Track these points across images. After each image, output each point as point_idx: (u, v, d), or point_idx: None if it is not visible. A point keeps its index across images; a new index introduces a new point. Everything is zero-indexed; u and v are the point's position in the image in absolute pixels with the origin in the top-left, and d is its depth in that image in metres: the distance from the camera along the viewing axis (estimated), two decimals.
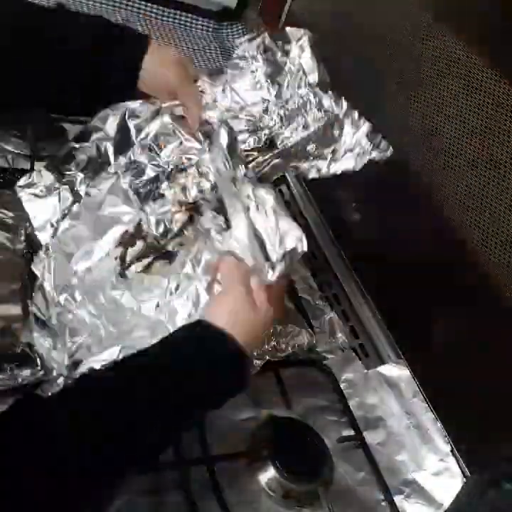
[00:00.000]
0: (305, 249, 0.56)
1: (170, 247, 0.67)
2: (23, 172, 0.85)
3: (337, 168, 0.73)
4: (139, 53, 0.67)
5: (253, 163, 0.70)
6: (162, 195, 0.67)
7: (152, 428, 0.51)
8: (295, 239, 0.56)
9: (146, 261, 0.67)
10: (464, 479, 0.75)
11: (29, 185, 0.72)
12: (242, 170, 0.60)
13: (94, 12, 1.34)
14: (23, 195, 0.72)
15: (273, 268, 0.56)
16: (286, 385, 0.79)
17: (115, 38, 0.68)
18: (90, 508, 0.49)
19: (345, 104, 0.73)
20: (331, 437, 0.76)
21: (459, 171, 0.77)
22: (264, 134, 0.71)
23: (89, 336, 0.64)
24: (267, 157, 0.71)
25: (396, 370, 0.86)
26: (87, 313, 0.65)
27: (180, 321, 0.61)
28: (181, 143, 0.69)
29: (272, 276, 0.56)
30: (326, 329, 0.90)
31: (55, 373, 0.64)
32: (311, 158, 0.73)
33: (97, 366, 0.60)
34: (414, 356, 0.86)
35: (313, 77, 0.73)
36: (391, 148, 0.72)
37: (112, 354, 0.61)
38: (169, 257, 0.67)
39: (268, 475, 0.68)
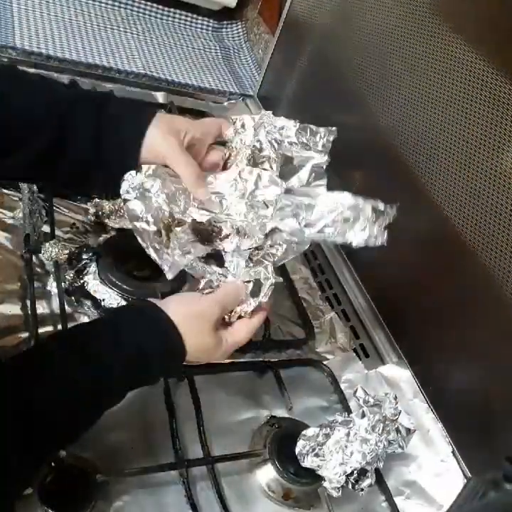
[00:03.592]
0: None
1: None
2: None
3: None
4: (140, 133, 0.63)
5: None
6: None
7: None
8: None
9: None
10: (465, 480, 0.75)
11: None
12: None
13: (94, 12, 1.34)
14: None
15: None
16: (286, 385, 0.79)
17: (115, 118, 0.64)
18: None
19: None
20: None
21: (459, 171, 0.77)
22: None
23: None
24: None
25: (396, 371, 0.86)
26: None
27: None
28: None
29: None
30: (326, 329, 0.90)
31: None
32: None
33: None
34: (415, 356, 0.86)
35: None
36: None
37: None
38: None
39: (268, 475, 0.68)
